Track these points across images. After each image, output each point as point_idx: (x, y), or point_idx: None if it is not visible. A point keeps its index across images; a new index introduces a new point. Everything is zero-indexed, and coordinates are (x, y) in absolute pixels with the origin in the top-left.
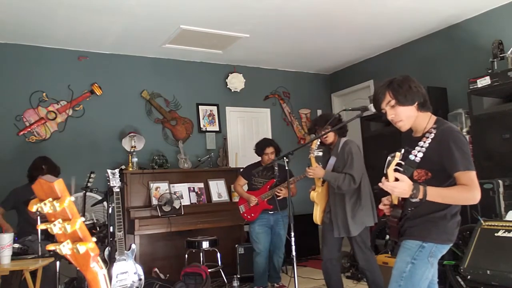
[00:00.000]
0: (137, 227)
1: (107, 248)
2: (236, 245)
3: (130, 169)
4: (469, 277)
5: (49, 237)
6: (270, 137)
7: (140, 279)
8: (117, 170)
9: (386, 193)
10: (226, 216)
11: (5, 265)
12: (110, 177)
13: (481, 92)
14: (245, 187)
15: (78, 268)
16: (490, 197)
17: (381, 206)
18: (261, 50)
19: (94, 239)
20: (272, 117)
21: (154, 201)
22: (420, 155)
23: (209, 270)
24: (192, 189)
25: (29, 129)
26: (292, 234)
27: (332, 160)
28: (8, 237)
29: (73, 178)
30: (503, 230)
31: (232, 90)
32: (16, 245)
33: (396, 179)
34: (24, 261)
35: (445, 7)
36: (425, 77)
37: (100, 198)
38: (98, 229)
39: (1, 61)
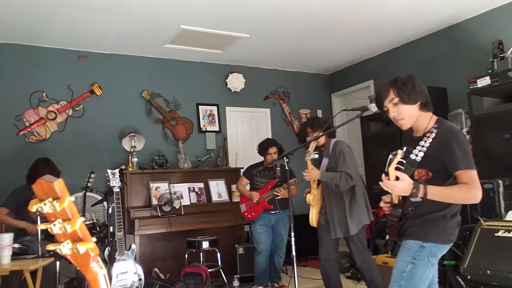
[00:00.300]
0: (137, 227)
1: (107, 248)
2: (236, 245)
3: (130, 169)
4: (469, 277)
5: (49, 237)
6: (270, 137)
7: (140, 279)
8: (117, 170)
9: (387, 192)
10: (226, 216)
11: (5, 265)
12: (110, 177)
13: (481, 92)
14: (248, 187)
15: (78, 268)
16: (490, 197)
17: (381, 204)
18: (261, 50)
19: (94, 239)
20: (272, 117)
21: (154, 201)
22: (421, 154)
23: (209, 270)
24: (192, 189)
25: (29, 129)
26: (292, 234)
27: (325, 161)
28: (8, 237)
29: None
30: (503, 230)
31: (232, 90)
32: (16, 245)
33: (397, 178)
34: (24, 261)
35: (445, 7)
36: (425, 77)
37: (100, 198)
38: (98, 229)
39: (1, 61)
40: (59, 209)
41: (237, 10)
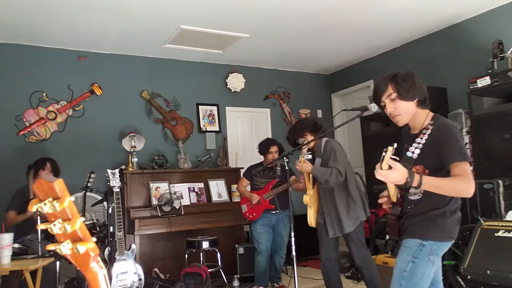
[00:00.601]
0: (137, 227)
1: (107, 248)
2: (236, 245)
3: (130, 169)
4: (469, 277)
5: (49, 237)
6: (270, 137)
7: (140, 279)
8: (117, 170)
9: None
10: (226, 216)
11: (5, 265)
12: (110, 177)
13: (481, 92)
14: (248, 188)
15: (78, 268)
16: (490, 197)
17: (380, 200)
18: (261, 50)
19: (94, 239)
20: (272, 117)
21: (154, 201)
22: (417, 151)
23: (209, 270)
24: (192, 189)
25: (29, 129)
26: (292, 234)
27: (318, 161)
28: (8, 237)
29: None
30: (503, 230)
31: (232, 90)
32: (16, 245)
33: (390, 168)
34: (24, 261)
35: (445, 7)
36: (425, 77)
37: (100, 198)
38: (98, 229)
39: (1, 61)
40: (59, 209)
41: (237, 10)
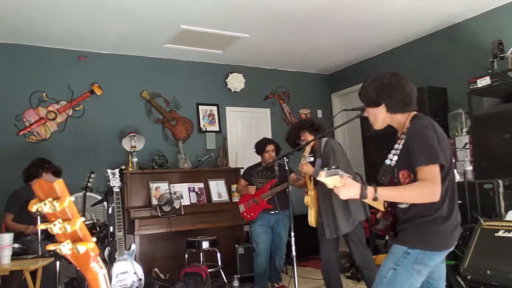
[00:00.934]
0: (137, 227)
1: (107, 248)
2: (236, 245)
3: (130, 169)
4: (469, 277)
5: (49, 237)
6: (270, 137)
7: (140, 279)
8: (117, 170)
9: None
10: (226, 216)
11: (5, 265)
12: (110, 177)
13: (481, 92)
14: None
15: (78, 268)
16: (490, 197)
17: (378, 215)
18: (261, 50)
19: (94, 239)
20: (272, 117)
21: (154, 201)
22: (395, 158)
23: (209, 270)
24: (192, 189)
25: (29, 129)
26: (292, 234)
27: (318, 161)
28: (8, 237)
29: None
30: (503, 230)
31: (232, 90)
32: (16, 245)
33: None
34: (24, 261)
35: (445, 7)
36: (425, 77)
37: (100, 198)
38: (98, 229)
39: (1, 61)
40: (59, 209)
41: (237, 10)
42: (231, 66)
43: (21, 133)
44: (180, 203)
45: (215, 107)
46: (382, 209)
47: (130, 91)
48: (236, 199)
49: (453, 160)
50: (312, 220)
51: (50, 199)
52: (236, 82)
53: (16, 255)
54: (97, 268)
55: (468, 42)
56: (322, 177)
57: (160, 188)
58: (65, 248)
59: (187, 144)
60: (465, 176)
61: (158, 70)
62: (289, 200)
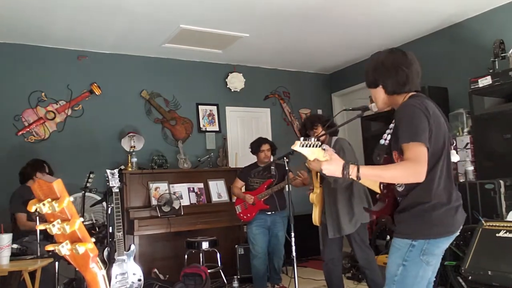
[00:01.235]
0: (137, 228)
1: (106, 249)
2: (236, 246)
3: (130, 169)
4: (470, 277)
5: (48, 237)
6: (270, 137)
7: (139, 280)
8: (116, 170)
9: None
10: (226, 216)
11: (3, 266)
12: (110, 177)
13: (482, 91)
14: (243, 189)
15: (77, 269)
16: (491, 197)
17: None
18: (261, 49)
19: (93, 239)
20: (272, 117)
21: (154, 202)
22: (389, 137)
23: (209, 271)
24: (191, 189)
25: (28, 129)
26: (292, 234)
27: None
28: (6, 238)
29: None
30: (504, 231)
31: (232, 90)
32: (15, 246)
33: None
34: (23, 262)
35: (446, 6)
36: (426, 76)
37: (99, 198)
38: (97, 230)
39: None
40: (58, 209)
41: (237, 9)
42: (231, 66)
43: (20, 133)
44: (180, 203)
45: (215, 107)
46: (378, 190)
47: (130, 91)
48: (235, 199)
49: (453, 143)
50: (316, 218)
51: (49, 199)
52: (236, 82)
53: (15, 255)
54: (96, 268)
55: (469, 42)
56: (297, 146)
57: (159, 188)
58: (64, 249)
59: (187, 144)
60: (466, 176)
61: (158, 70)
62: (285, 201)
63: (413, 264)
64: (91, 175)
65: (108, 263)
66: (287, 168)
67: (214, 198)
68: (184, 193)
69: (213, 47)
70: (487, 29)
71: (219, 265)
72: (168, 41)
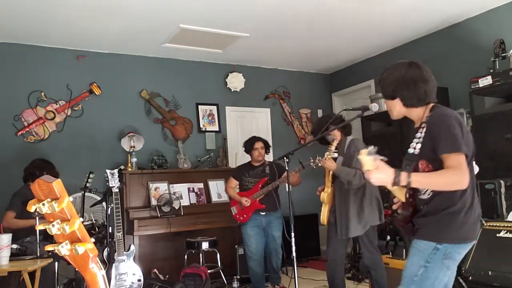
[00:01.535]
0: (136, 228)
1: (106, 249)
2: (236, 246)
3: (129, 169)
4: (470, 278)
5: (47, 237)
6: (270, 137)
7: (139, 280)
8: (116, 170)
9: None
10: (225, 216)
11: (3, 266)
12: (109, 177)
13: (482, 91)
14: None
15: (77, 269)
16: (491, 197)
17: (394, 206)
18: (261, 49)
19: (93, 239)
20: (272, 117)
21: (154, 202)
22: (419, 146)
23: (209, 271)
24: (191, 189)
25: (28, 129)
26: (292, 234)
27: (340, 159)
28: (6, 238)
29: None
30: (505, 231)
31: (232, 90)
32: (15, 246)
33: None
34: (23, 262)
35: (446, 6)
36: None
37: (99, 198)
38: (97, 230)
39: None
40: (58, 209)
41: (237, 9)
42: (231, 66)
43: (20, 133)
44: (180, 203)
45: (215, 107)
46: (403, 199)
47: (129, 90)
48: None
49: (474, 152)
50: (324, 217)
51: (49, 199)
52: (236, 81)
53: (14, 255)
54: (96, 269)
55: (470, 42)
56: (363, 155)
57: (159, 188)
58: (63, 249)
59: (187, 144)
60: None
61: (158, 70)
62: (279, 201)
63: (434, 266)
64: (90, 175)
65: (107, 263)
66: (287, 168)
67: (214, 198)
68: (184, 193)
69: (213, 47)
70: (487, 29)
71: (219, 265)
72: (168, 41)
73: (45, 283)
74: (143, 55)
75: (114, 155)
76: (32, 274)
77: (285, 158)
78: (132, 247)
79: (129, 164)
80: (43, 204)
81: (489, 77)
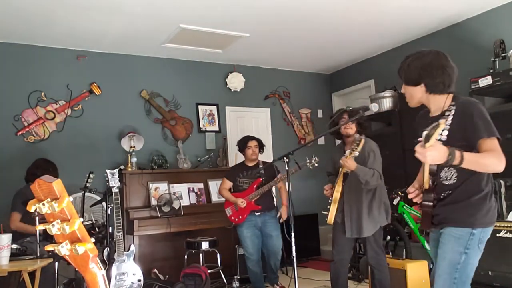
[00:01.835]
0: (136, 228)
1: (106, 249)
2: (236, 246)
3: (129, 169)
4: None
5: (47, 237)
6: (270, 137)
7: (139, 280)
8: (116, 170)
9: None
10: (225, 216)
11: (3, 266)
12: (109, 177)
13: (482, 91)
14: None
15: (77, 269)
16: None
17: (410, 195)
18: (261, 49)
19: (93, 240)
20: (272, 117)
21: (154, 202)
22: (445, 133)
23: (209, 271)
24: (191, 189)
25: (28, 129)
26: (292, 234)
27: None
28: (6, 238)
29: None
30: (505, 231)
31: (232, 90)
32: (15, 246)
33: None
34: (23, 262)
35: (446, 6)
36: None
37: (99, 198)
38: (97, 230)
39: None
40: (58, 209)
41: (237, 9)
42: (231, 66)
43: (20, 133)
44: (180, 203)
45: (215, 106)
46: (427, 186)
47: (129, 90)
48: None
49: None
50: (332, 217)
51: (49, 199)
52: (236, 81)
53: (14, 255)
54: (96, 269)
55: (469, 42)
56: (431, 130)
57: (159, 188)
58: (63, 249)
59: (187, 144)
60: None
61: (158, 70)
62: (273, 201)
63: (473, 252)
64: (90, 175)
65: (107, 263)
66: (287, 168)
67: (214, 198)
68: (184, 193)
69: (213, 47)
70: (487, 29)
71: (219, 265)
72: (168, 41)
73: (45, 283)
74: (143, 55)
75: (114, 155)
76: (32, 274)
77: (285, 158)
78: (132, 247)
79: (129, 164)
80: (43, 204)
81: (489, 77)
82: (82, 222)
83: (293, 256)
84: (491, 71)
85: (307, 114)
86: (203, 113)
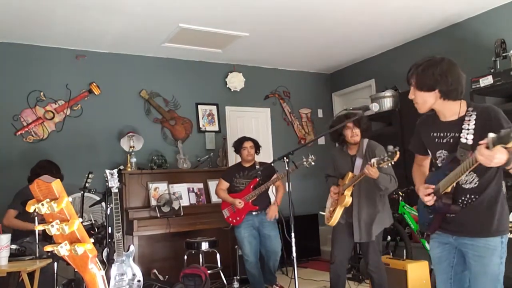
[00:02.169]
0: (136, 228)
1: (105, 249)
2: (236, 246)
3: (129, 169)
4: None
5: (47, 238)
6: (270, 137)
7: (138, 281)
8: (115, 171)
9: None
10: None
11: (2, 267)
12: (109, 177)
13: (483, 91)
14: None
15: (76, 270)
16: None
17: (426, 198)
18: (261, 49)
19: (92, 240)
20: (272, 116)
21: (153, 202)
22: (471, 137)
23: (209, 272)
24: (191, 189)
25: (27, 129)
26: (293, 234)
27: (359, 162)
28: (5, 238)
29: None
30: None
31: (232, 90)
32: (14, 246)
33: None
34: (22, 262)
35: (446, 6)
36: None
37: (98, 198)
38: (96, 230)
39: None
40: (57, 209)
41: (237, 8)
42: (230, 65)
43: (19, 133)
44: (179, 203)
45: (215, 106)
46: (448, 190)
47: (129, 90)
48: None
49: None
50: (337, 219)
51: (48, 199)
52: (236, 81)
53: (13, 256)
54: (95, 269)
55: (470, 42)
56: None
57: (159, 188)
58: (63, 249)
59: (186, 144)
60: None
61: (157, 69)
62: (270, 201)
63: (504, 260)
64: (90, 175)
65: (107, 263)
66: (287, 168)
67: (214, 199)
68: (183, 193)
69: (213, 46)
70: (488, 29)
71: (219, 265)
72: (167, 41)
73: (44, 283)
74: (143, 54)
75: (114, 155)
76: (31, 275)
77: (285, 158)
78: (132, 247)
79: (129, 164)
80: (42, 204)
81: (490, 77)
82: (82, 222)
83: (293, 257)
84: (492, 70)
85: (307, 114)
86: (203, 113)
